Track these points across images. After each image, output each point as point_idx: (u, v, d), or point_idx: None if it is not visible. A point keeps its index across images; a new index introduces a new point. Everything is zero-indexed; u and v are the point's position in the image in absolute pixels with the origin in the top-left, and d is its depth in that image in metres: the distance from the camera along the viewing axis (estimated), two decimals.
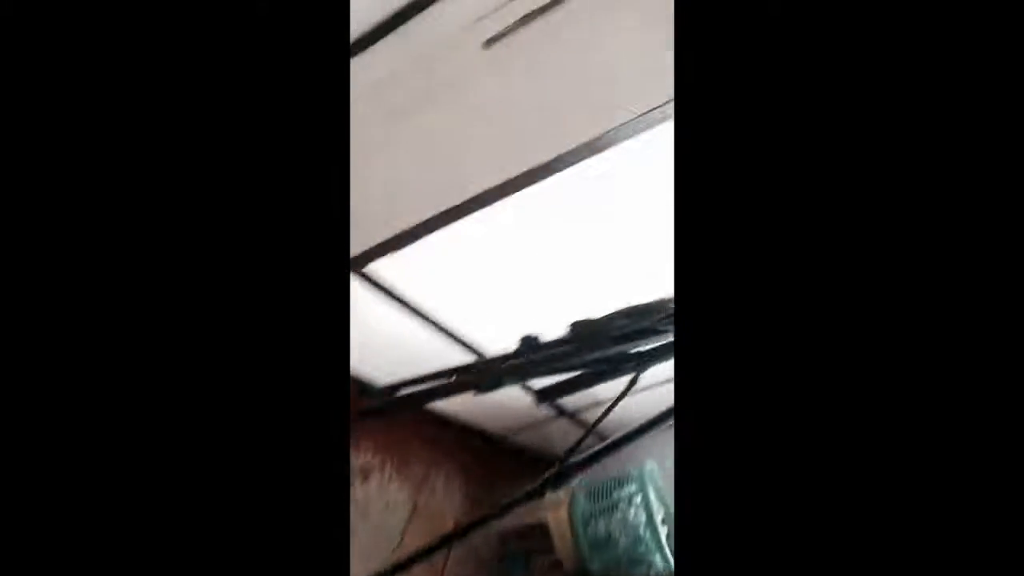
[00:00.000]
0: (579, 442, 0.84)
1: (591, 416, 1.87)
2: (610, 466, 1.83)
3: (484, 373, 0.85)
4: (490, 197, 0.92)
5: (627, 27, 0.79)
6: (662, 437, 2.18)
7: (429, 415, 1.65)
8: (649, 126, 0.84)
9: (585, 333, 0.73)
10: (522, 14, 0.81)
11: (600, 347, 0.71)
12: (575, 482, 1.74)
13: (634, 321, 0.71)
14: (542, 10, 0.80)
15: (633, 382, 0.79)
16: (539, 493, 0.88)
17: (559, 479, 0.86)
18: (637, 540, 1.51)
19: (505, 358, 0.86)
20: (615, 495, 1.58)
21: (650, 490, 1.60)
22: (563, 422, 1.84)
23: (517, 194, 0.91)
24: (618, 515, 1.55)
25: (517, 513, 1.65)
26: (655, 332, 0.71)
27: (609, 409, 0.84)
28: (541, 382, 0.75)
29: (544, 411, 1.73)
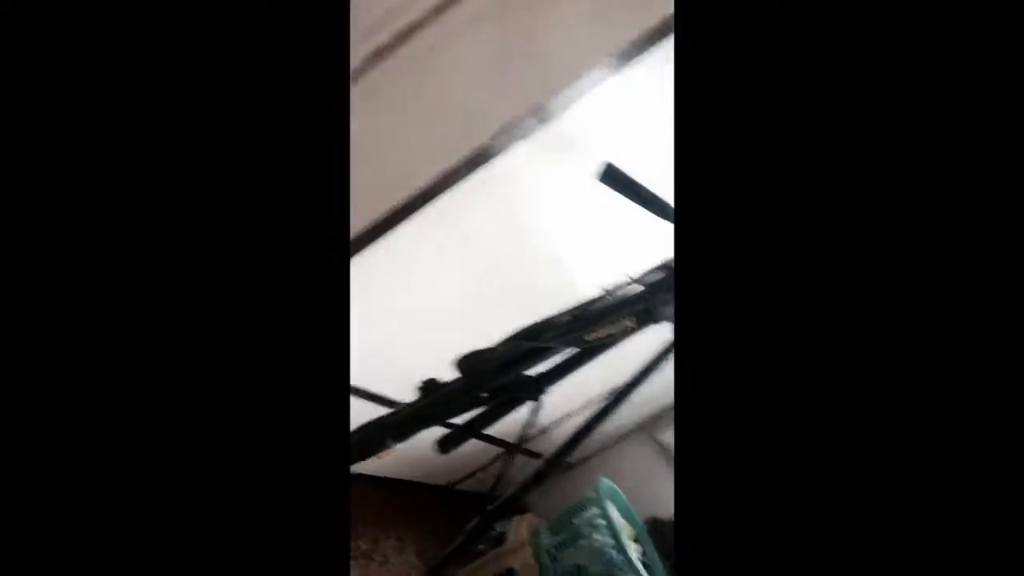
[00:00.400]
0: (499, 479, 0.79)
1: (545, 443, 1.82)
2: (569, 494, 1.77)
3: (388, 426, 0.79)
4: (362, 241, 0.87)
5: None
6: (613, 455, 2.14)
7: (364, 477, 1.55)
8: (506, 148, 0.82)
9: (474, 367, 0.69)
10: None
11: (493, 378, 0.67)
12: (538, 521, 1.66)
13: (523, 344, 0.68)
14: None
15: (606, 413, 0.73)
16: (478, 534, 0.82)
17: (492, 517, 0.80)
18: (609, 564, 1.44)
19: (409, 406, 0.81)
20: (576, 523, 1.52)
21: (610, 508, 1.55)
22: (519, 457, 1.77)
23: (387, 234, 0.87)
24: (583, 543, 1.48)
25: (481, 564, 1.55)
26: (548, 351, 0.67)
27: (572, 442, 0.78)
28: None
29: (491, 450, 1.66)
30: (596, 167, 0.63)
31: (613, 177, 0.60)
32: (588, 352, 0.65)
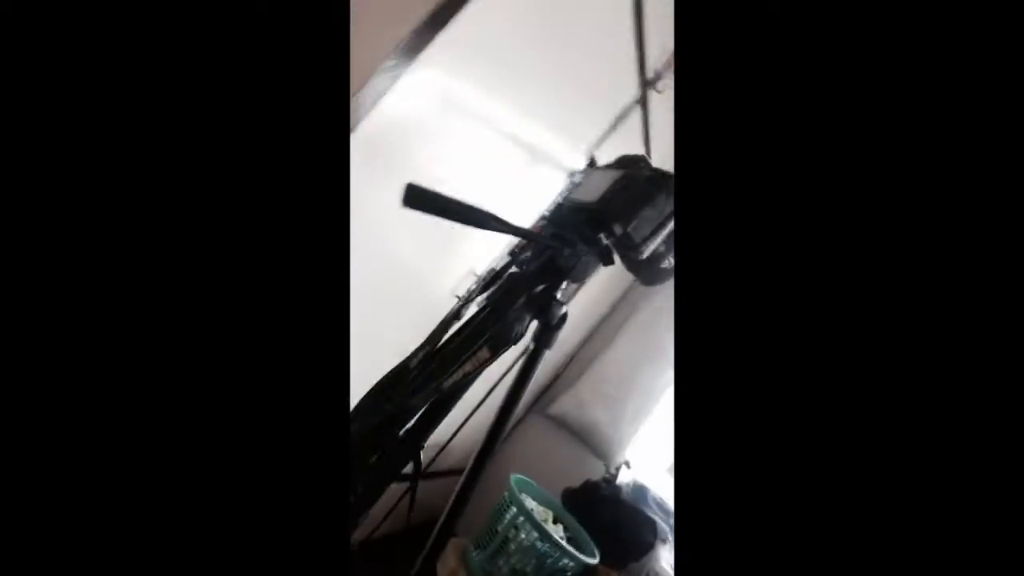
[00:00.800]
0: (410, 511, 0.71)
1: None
2: (484, 503, 1.75)
3: None
4: None
5: None
6: (512, 444, 2.12)
7: None
8: None
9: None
10: None
11: (366, 446, 0.60)
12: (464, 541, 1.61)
13: (380, 406, 0.61)
14: None
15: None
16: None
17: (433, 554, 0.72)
18: (541, 557, 1.45)
19: None
20: (499, 530, 1.50)
21: (526, 502, 1.55)
22: (432, 483, 1.69)
23: None
24: (512, 547, 1.47)
25: None
26: (410, 408, 0.62)
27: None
28: None
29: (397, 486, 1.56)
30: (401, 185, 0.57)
31: (418, 198, 0.54)
32: (452, 395, 0.61)
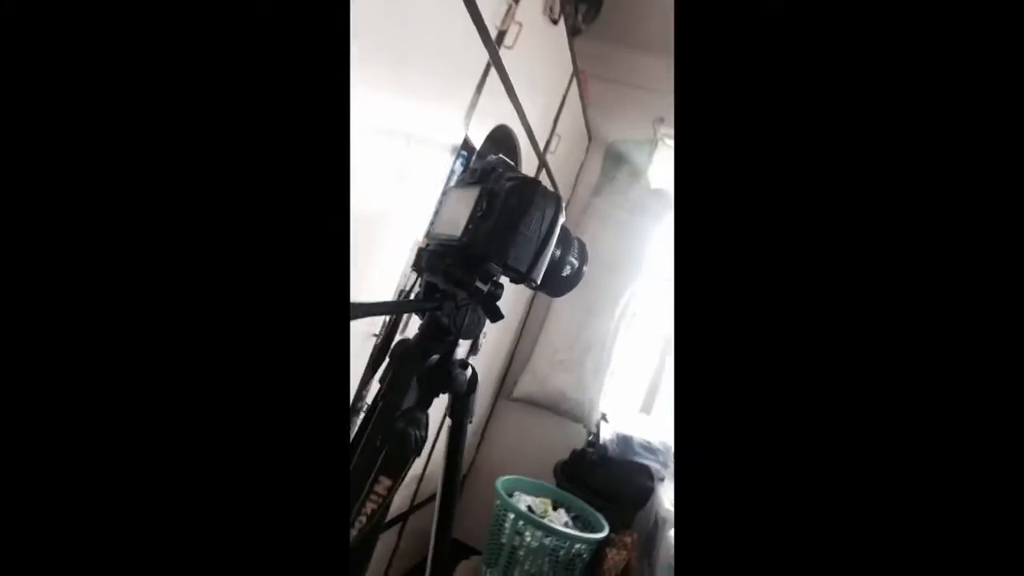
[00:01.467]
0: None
1: None
2: (476, 503, 1.68)
3: None
4: None
5: None
6: (487, 443, 2.04)
7: None
8: None
9: None
10: None
11: None
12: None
13: None
14: None
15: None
16: None
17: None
18: (555, 552, 1.41)
19: None
20: (504, 541, 1.43)
21: (520, 503, 1.50)
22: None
23: None
24: (522, 553, 1.41)
25: None
26: None
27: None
28: None
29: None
30: None
31: None
32: (368, 543, 0.50)
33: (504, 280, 0.45)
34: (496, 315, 0.44)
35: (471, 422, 0.48)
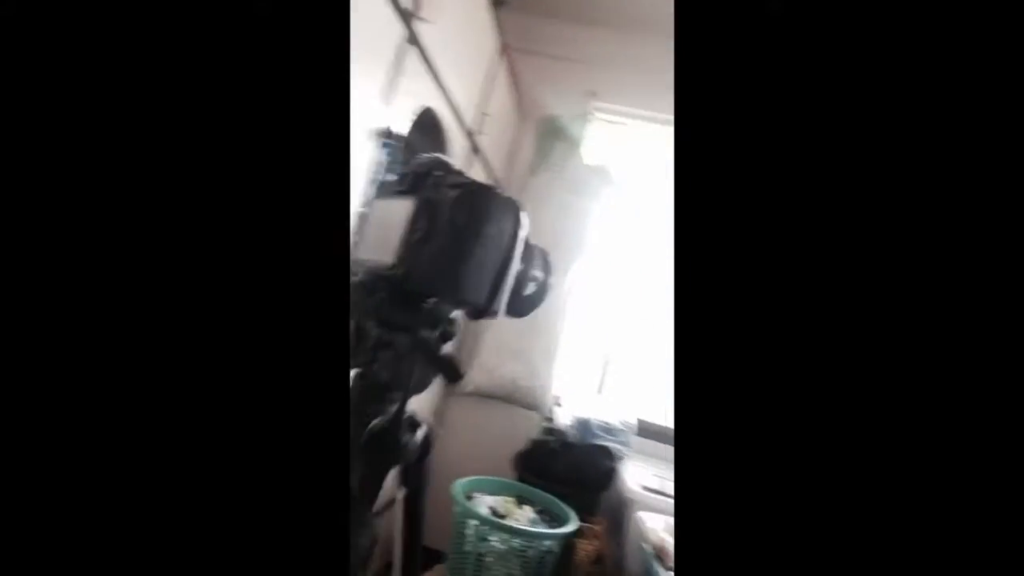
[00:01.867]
0: None
1: None
2: (447, 523, 1.60)
3: None
4: None
5: None
6: (441, 443, 1.94)
7: None
8: None
9: None
10: None
11: None
12: None
13: None
14: None
15: None
16: None
17: None
18: (523, 552, 1.35)
19: None
20: (468, 549, 1.36)
21: (480, 505, 1.43)
22: None
23: None
24: (489, 559, 1.35)
25: None
26: None
27: None
28: None
29: None
30: None
31: None
32: None
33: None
34: (453, 374, 0.35)
35: (428, 486, 0.39)
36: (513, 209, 0.35)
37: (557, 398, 2.04)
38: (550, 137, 2.24)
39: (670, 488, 1.66)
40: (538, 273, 0.41)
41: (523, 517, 1.46)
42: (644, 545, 1.36)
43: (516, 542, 1.34)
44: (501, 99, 1.92)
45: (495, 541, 1.35)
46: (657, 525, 1.39)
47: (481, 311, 0.35)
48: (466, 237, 0.33)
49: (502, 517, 1.43)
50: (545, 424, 1.95)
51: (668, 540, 1.33)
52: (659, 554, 1.29)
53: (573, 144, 2.23)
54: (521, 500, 1.55)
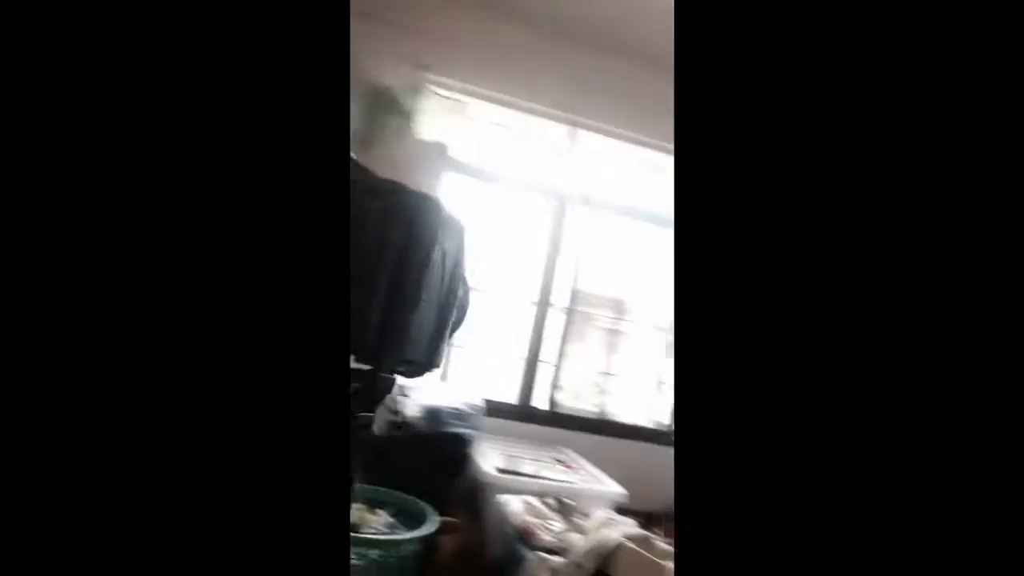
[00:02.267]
0: None
1: None
2: None
3: None
4: None
5: None
6: None
7: None
8: None
9: None
10: None
11: None
12: None
13: None
14: None
15: None
16: None
17: None
18: (383, 563, 1.26)
19: None
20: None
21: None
22: None
23: None
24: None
25: None
26: None
27: None
28: None
29: None
30: None
31: None
32: None
33: None
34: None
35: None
36: (459, 229, 0.28)
37: (403, 389, 1.94)
38: (382, 110, 2.07)
39: (525, 467, 1.70)
40: (463, 287, 0.35)
41: (378, 523, 1.36)
42: (506, 529, 1.37)
43: (374, 553, 1.25)
44: None
45: (353, 557, 1.23)
46: (517, 507, 1.41)
47: (424, 367, 0.27)
48: (410, 284, 0.25)
49: (356, 528, 1.32)
50: (391, 419, 1.85)
51: (530, 520, 1.36)
52: (522, 535, 1.31)
53: (406, 118, 2.10)
54: (374, 504, 1.44)
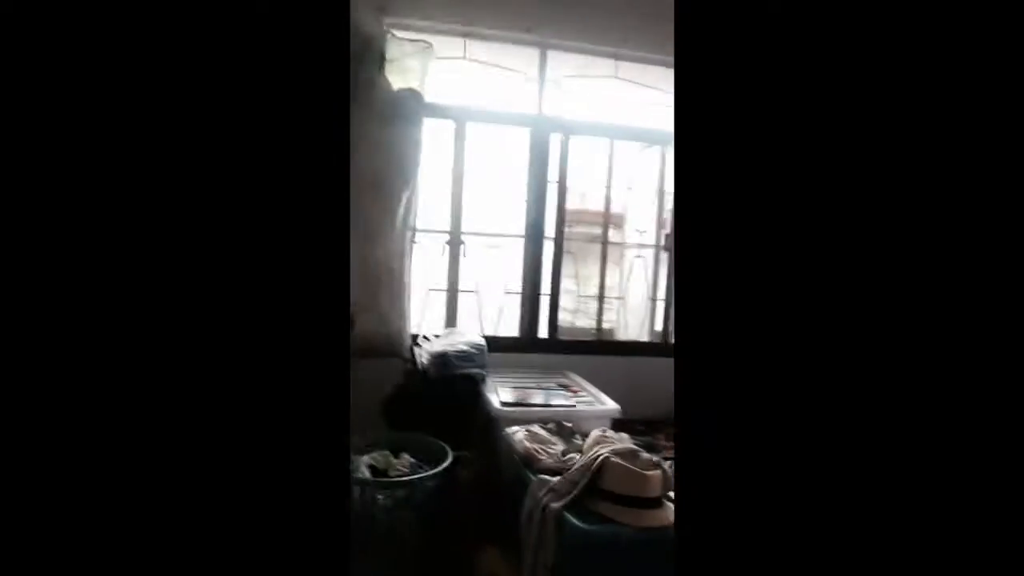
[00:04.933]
0: None
1: None
2: None
3: None
4: None
5: None
6: None
7: None
8: None
9: None
10: None
11: None
12: None
13: None
14: None
15: None
16: None
17: None
18: (409, 499, 1.47)
19: None
20: (363, 513, 1.44)
21: (360, 467, 1.49)
22: None
23: None
24: (382, 517, 1.44)
25: None
26: None
27: None
28: None
29: None
30: None
31: None
32: None
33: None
34: None
35: None
36: None
37: (415, 337, 2.10)
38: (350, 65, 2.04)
39: (528, 397, 1.87)
40: None
41: (402, 465, 1.56)
42: (513, 456, 1.56)
43: (400, 493, 1.45)
44: None
45: (382, 498, 1.44)
46: (520, 436, 1.58)
47: None
48: None
49: (383, 472, 1.52)
50: (407, 367, 2.02)
51: (531, 447, 1.53)
52: (526, 461, 1.50)
53: (372, 69, 2.06)
54: (397, 449, 1.64)
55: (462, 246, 2.27)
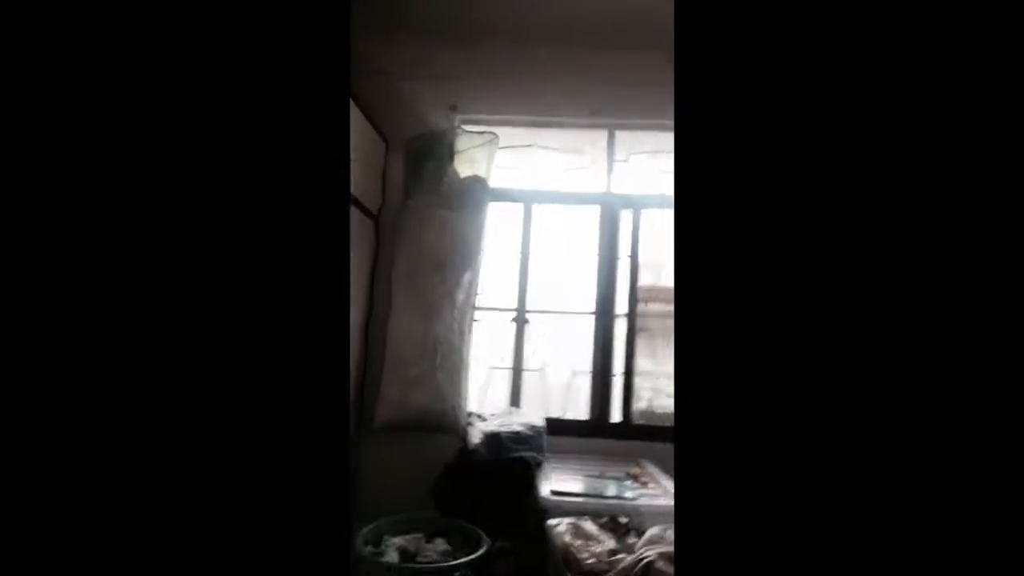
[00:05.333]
0: None
1: None
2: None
3: None
4: None
5: None
6: None
7: None
8: None
9: None
10: None
11: None
12: None
13: None
14: None
15: None
16: None
17: None
18: None
19: None
20: None
21: (389, 545, 1.40)
22: None
23: None
24: None
25: None
26: None
27: None
28: None
29: None
30: None
31: None
32: None
33: None
34: None
35: None
36: None
37: (471, 415, 2.03)
38: (418, 157, 2.22)
39: (576, 486, 1.67)
40: None
41: (434, 551, 1.44)
42: (553, 553, 1.37)
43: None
44: (357, 131, 1.89)
45: None
46: (561, 530, 1.40)
47: None
48: None
49: (413, 556, 1.41)
50: (461, 446, 1.93)
51: (571, 543, 1.34)
52: (563, 558, 1.30)
53: (442, 160, 2.22)
54: (433, 533, 1.53)
55: (526, 324, 2.22)
